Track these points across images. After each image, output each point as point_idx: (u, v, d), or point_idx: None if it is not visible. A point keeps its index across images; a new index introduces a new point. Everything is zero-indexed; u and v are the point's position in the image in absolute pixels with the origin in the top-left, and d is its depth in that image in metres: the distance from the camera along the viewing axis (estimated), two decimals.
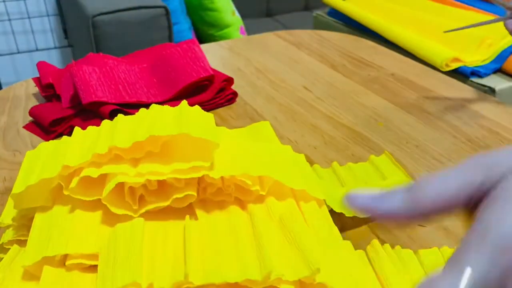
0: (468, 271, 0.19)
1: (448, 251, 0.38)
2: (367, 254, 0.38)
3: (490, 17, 0.62)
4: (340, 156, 0.52)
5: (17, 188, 0.34)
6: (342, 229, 0.43)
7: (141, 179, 0.33)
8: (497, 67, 1.08)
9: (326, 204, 0.39)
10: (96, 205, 0.35)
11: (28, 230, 0.35)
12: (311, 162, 0.49)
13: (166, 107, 0.38)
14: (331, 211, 0.39)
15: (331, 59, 0.82)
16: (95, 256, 0.32)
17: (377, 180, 0.49)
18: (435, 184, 0.23)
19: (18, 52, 1.96)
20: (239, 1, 1.93)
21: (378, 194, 0.24)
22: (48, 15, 1.94)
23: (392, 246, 0.39)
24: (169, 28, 1.47)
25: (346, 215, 0.41)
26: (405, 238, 0.42)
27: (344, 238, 0.36)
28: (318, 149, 0.55)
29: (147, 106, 0.62)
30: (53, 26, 1.98)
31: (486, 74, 1.06)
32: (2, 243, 0.37)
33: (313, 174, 0.41)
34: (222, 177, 0.35)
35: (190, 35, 1.67)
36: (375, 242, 0.38)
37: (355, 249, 0.37)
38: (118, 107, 0.60)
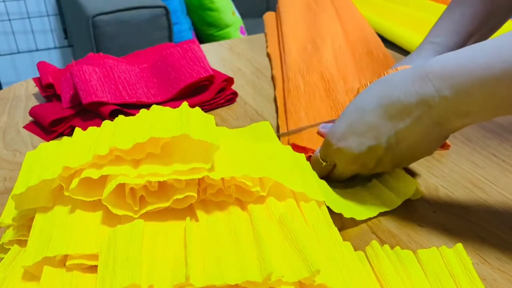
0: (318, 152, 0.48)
1: (447, 251, 0.38)
2: (366, 255, 0.38)
3: None
4: None
5: (17, 189, 0.34)
6: (341, 230, 0.43)
7: (142, 181, 0.33)
8: None
9: (325, 205, 0.39)
10: (96, 205, 0.35)
11: (28, 230, 0.35)
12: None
13: (166, 108, 0.38)
14: (331, 211, 0.39)
15: None
16: (95, 257, 0.32)
17: (373, 178, 0.49)
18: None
19: (18, 52, 1.96)
20: (239, 1, 1.93)
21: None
22: (48, 15, 1.95)
23: (392, 247, 0.39)
24: (169, 28, 1.47)
25: (345, 216, 0.41)
26: (405, 239, 0.42)
27: (343, 239, 0.36)
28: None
29: (147, 106, 0.62)
30: (53, 26, 1.98)
31: None
32: (2, 243, 0.37)
33: (313, 174, 0.41)
34: (222, 178, 0.35)
35: (190, 35, 1.67)
36: (375, 242, 0.38)
37: (355, 249, 0.37)
38: (118, 107, 0.60)
